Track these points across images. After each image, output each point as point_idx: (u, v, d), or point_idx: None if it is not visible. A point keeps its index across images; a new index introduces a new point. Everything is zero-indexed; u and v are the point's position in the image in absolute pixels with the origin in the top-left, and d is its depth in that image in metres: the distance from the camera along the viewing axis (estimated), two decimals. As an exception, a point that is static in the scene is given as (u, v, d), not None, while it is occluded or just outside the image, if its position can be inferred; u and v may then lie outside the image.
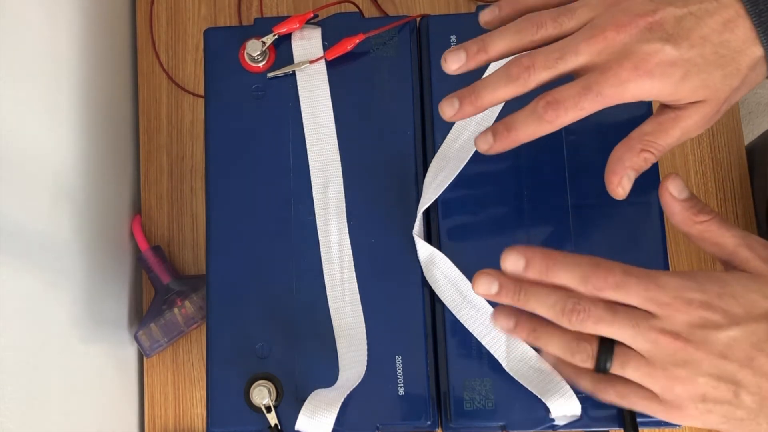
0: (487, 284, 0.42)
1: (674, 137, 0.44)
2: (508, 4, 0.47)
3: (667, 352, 0.40)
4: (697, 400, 0.40)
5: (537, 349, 0.52)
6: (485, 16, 0.48)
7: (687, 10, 0.41)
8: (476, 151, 0.55)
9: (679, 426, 0.53)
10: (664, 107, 0.44)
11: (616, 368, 0.41)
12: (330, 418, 0.50)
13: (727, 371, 0.39)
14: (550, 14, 0.44)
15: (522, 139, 0.44)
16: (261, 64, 0.58)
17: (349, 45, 0.57)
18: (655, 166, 0.55)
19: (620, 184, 0.44)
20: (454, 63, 0.45)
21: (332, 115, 0.57)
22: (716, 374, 0.39)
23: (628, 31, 0.41)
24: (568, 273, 0.41)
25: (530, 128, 0.43)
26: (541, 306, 0.41)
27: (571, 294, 0.41)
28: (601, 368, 0.41)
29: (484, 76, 0.45)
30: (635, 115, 0.54)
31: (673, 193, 0.43)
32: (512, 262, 0.42)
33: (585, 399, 0.52)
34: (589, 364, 0.42)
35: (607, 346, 0.41)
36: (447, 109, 0.45)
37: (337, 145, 0.57)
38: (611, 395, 0.43)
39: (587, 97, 0.41)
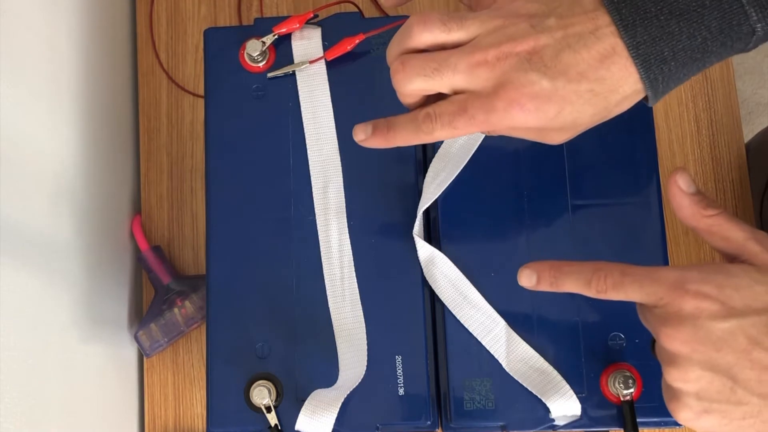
0: (528, 277, 0.44)
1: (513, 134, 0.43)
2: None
3: (661, 343, 0.39)
4: (692, 396, 0.39)
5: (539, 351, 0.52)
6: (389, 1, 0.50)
7: (566, 42, 0.40)
8: (476, 151, 0.55)
9: (680, 426, 0.53)
10: None
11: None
12: (330, 418, 0.50)
13: (722, 364, 0.38)
14: (440, 17, 0.43)
15: (398, 142, 0.44)
16: (261, 64, 0.58)
17: (349, 45, 0.57)
18: (654, 166, 0.55)
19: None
20: None
21: (332, 115, 0.57)
22: (710, 367, 0.38)
23: (508, 56, 0.40)
24: (573, 281, 0.42)
25: (407, 135, 0.44)
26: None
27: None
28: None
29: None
30: (636, 116, 0.54)
31: (682, 186, 0.42)
32: (526, 277, 0.43)
33: (585, 399, 0.52)
34: None
35: None
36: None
37: (337, 145, 0.57)
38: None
39: (462, 118, 0.41)
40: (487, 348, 0.53)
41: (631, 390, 0.51)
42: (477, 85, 0.41)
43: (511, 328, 0.53)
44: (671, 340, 0.39)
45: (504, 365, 0.52)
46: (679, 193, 0.43)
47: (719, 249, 0.43)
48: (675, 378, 0.39)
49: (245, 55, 0.58)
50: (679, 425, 0.52)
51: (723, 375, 0.38)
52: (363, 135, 0.45)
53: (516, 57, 0.40)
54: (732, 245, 0.42)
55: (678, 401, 0.40)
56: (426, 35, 0.43)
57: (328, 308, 0.54)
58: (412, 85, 0.42)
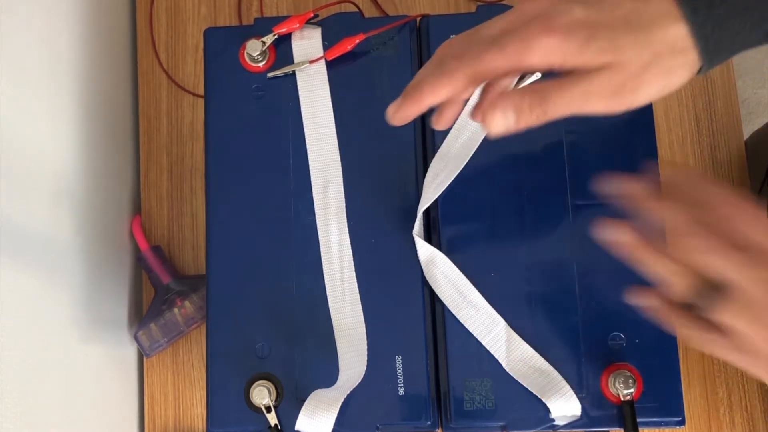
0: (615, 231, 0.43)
1: (571, 106, 0.41)
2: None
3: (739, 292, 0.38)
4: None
5: (538, 349, 0.52)
6: None
7: None
8: (476, 151, 0.55)
9: (680, 426, 0.53)
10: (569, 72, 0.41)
11: (718, 308, 0.39)
12: (330, 418, 0.50)
13: None
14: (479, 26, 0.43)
15: (426, 93, 0.42)
16: (261, 64, 0.58)
17: (349, 45, 0.57)
18: (654, 167, 0.55)
19: (492, 118, 0.42)
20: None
21: (332, 115, 0.57)
22: None
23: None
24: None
25: (433, 82, 0.41)
26: (671, 216, 0.41)
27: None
28: (702, 304, 0.39)
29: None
30: (636, 116, 0.54)
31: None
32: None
33: (585, 399, 0.52)
34: (691, 296, 0.40)
35: (712, 284, 0.39)
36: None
37: (337, 145, 0.57)
38: (694, 333, 0.41)
39: (490, 50, 0.40)
40: (487, 348, 0.53)
41: (631, 390, 0.51)
42: (512, 27, 0.40)
43: (511, 328, 0.53)
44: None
45: (504, 365, 0.52)
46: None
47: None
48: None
49: (245, 55, 0.58)
50: (679, 426, 0.52)
51: None
52: (393, 107, 0.43)
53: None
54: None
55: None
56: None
57: (328, 308, 0.54)
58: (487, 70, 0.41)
